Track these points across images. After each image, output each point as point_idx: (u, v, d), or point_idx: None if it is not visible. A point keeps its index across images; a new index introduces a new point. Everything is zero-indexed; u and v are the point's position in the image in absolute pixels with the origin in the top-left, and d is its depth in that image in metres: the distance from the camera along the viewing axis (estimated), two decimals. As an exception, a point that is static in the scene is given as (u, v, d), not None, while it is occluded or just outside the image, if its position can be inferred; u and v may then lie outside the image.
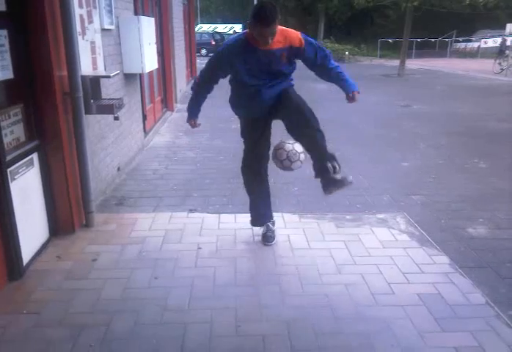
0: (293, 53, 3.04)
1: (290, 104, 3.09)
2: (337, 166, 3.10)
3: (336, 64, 3.20)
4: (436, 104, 10.76)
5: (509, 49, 18.90)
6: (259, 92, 3.12)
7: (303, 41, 3.03)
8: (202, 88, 3.28)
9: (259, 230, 3.67)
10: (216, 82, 3.25)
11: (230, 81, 3.27)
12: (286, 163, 3.12)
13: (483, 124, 8.44)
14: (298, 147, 3.11)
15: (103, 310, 2.68)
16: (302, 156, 3.12)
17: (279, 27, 2.93)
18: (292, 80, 3.28)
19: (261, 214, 3.61)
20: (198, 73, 3.32)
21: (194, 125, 3.41)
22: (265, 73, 3.07)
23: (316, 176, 3.22)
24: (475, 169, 5.66)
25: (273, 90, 3.14)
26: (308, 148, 3.14)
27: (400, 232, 3.75)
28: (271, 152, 3.30)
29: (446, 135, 7.52)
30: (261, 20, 2.78)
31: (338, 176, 3.10)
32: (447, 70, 20.18)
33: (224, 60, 3.06)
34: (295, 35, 3.03)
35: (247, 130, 3.38)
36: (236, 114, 3.41)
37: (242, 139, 3.43)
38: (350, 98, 3.14)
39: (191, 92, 3.38)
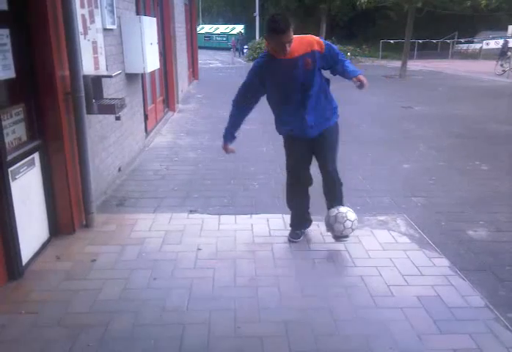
0: (317, 57, 3.09)
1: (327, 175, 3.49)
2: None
3: (344, 58, 3.25)
4: (437, 105, 10.75)
5: (511, 51, 18.88)
6: (301, 108, 3.20)
7: (322, 44, 3.11)
8: (238, 109, 3.33)
9: (259, 231, 3.70)
10: (252, 101, 3.29)
11: (269, 103, 3.36)
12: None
13: (485, 126, 8.42)
14: (350, 215, 3.43)
15: (101, 311, 2.68)
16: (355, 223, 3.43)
17: (294, 36, 3.03)
18: (336, 114, 3.36)
19: (303, 217, 3.73)
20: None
21: (227, 150, 3.48)
22: (296, 86, 3.13)
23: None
24: (476, 171, 5.65)
25: (317, 113, 3.22)
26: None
27: (400, 234, 3.75)
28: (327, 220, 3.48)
29: (447, 137, 7.52)
30: (275, 28, 2.92)
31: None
32: (448, 71, 20.16)
33: (254, 75, 3.19)
34: (312, 38, 3.14)
35: (291, 148, 3.45)
36: (280, 133, 3.46)
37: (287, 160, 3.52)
38: (356, 81, 3.10)
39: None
